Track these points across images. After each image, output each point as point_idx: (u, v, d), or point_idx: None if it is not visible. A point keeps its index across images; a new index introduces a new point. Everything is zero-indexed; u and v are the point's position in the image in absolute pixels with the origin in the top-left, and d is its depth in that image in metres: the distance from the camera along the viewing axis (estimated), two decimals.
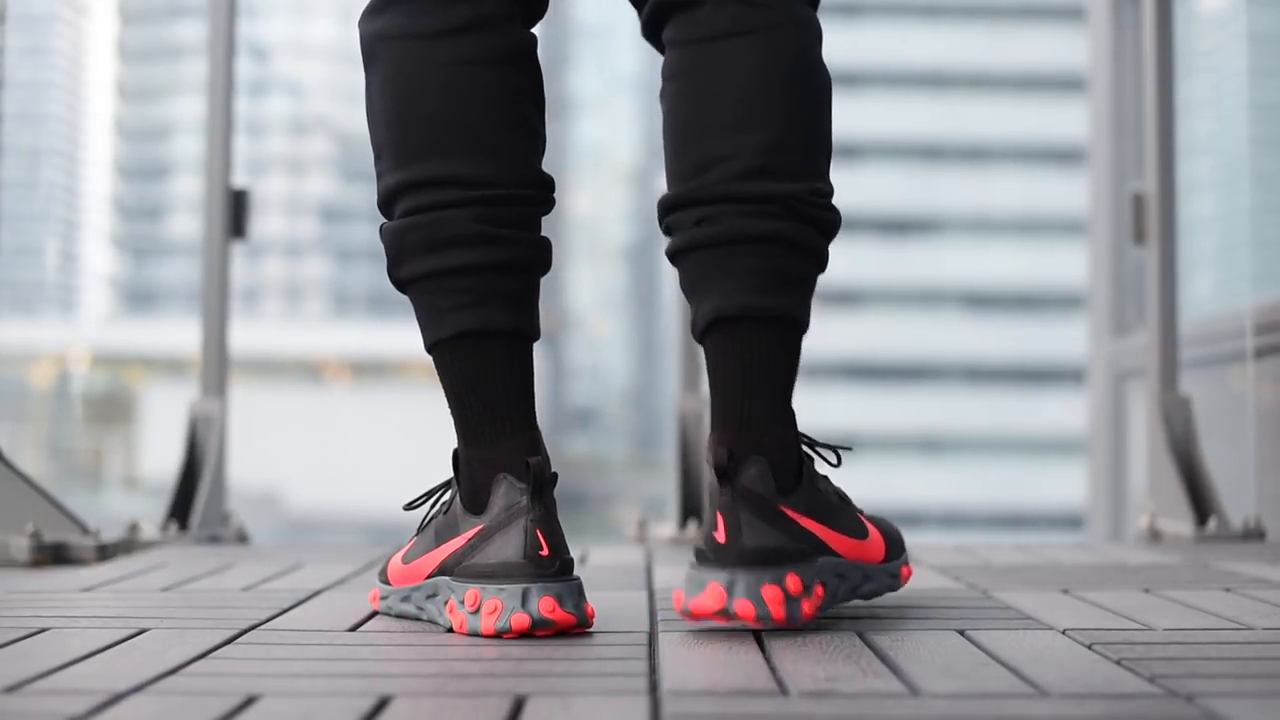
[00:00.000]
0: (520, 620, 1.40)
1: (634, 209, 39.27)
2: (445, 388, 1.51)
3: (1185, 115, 3.78)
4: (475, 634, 1.43)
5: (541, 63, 1.57)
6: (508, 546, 1.44)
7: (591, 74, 37.15)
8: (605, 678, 1.23)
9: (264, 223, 40.27)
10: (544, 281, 1.55)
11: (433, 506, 1.60)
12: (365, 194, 43.54)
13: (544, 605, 1.41)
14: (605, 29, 36.47)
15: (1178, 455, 3.02)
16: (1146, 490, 3.14)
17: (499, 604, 1.41)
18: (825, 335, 33.70)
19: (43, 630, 1.47)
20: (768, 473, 1.46)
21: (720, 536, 1.42)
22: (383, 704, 1.11)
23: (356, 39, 1.58)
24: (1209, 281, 4.71)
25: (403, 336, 38.28)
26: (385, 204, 1.52)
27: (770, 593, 1.40)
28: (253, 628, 1.49)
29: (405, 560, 1.59)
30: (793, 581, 1.42)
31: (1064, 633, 1.46)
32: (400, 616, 1.59)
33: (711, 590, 1.40)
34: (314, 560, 2.23)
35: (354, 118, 42.46)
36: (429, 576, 1.54)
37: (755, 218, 1.47)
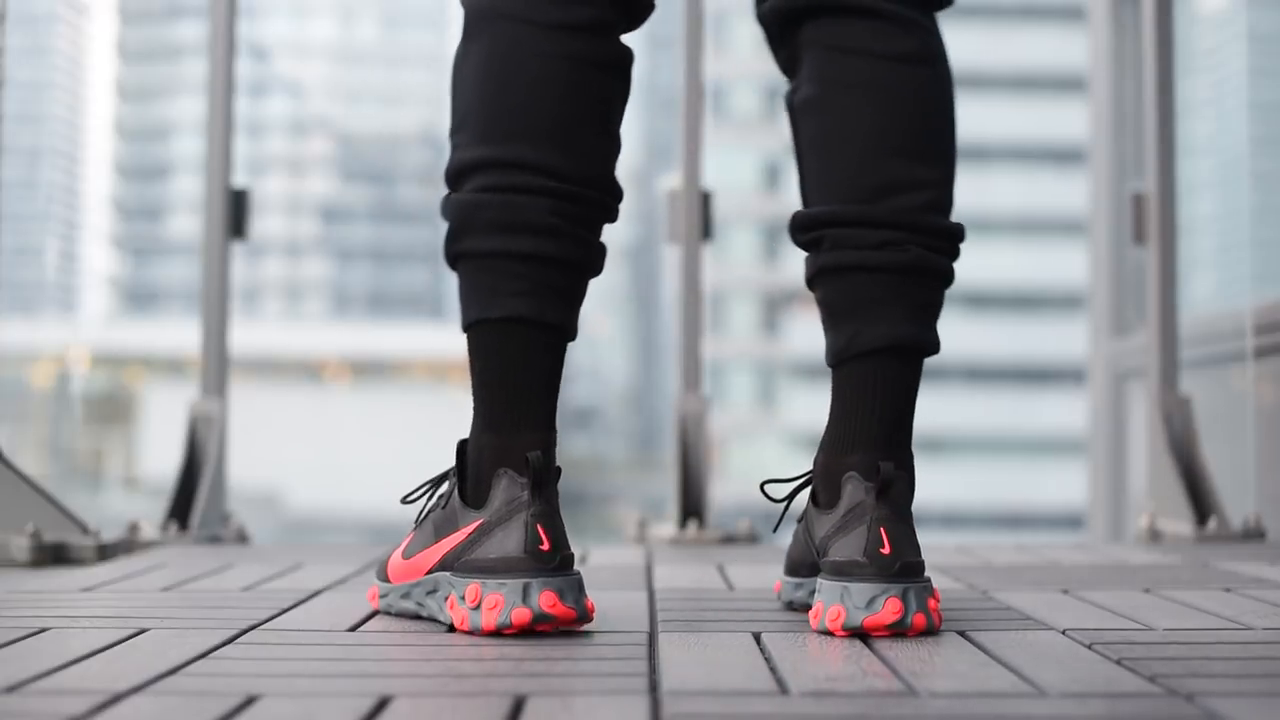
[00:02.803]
0: (521, 615, 1.40)
1: (634, 209, 39.28)
2: (477, 368, 1.49)
3: (1185, 115, 3.79)
4: (477, 630, 1.43)
5: None
6: (509, 541, 1.43)
7: None
8: (605, 678, 1.23)
9: (264, 223, 40.26)
10: None
11: (429, 500, 1.60)
12: (365, 194, 43.58)
13: (545, 600, 1.41)
14: None
15: (1178, 455, 3.02)
16: (1146, 490, 3.14)
17: (500, 599, 1.41)
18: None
19: (43, 630, 1.47)
20: (907, 490, 1.52)
21: (886, 549, 1.46)
22: (383, 704, 1.10)
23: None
24: (1209, 281, 4.71)
25: (403, 336, 38.31)
26: (457, 175, 1.50)
27: (932, 604, 1.46)
28: (253, 628, 1.49)
29: (406, 555, 1.58)
30: (937, 592, 1.49)
31: (1064, 633, 1.46)
32: (400, 615, 1.58)
33: (890, 605, 1.43)
34: (314, 560, 2.23)
35: (354, 118, 42.48)
36: (429, 572, 1.53)
37: (936, 253, 1.54)
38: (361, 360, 37.47)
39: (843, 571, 1.46)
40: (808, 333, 35.57)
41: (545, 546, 1.43)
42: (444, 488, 1.57)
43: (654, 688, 1.18)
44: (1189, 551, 2.49)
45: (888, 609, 1.42)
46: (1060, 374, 35.03)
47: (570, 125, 1.49)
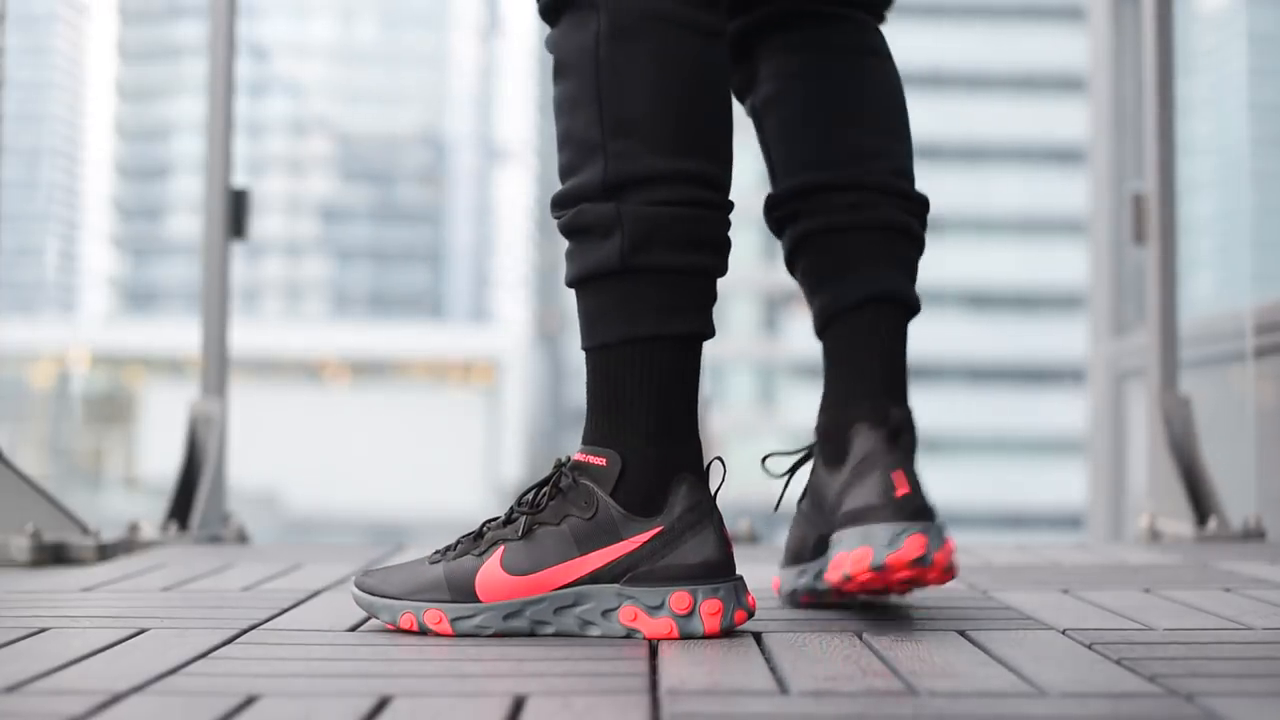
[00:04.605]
0: (741, 615, 1.44)
1: None
2: (643, 381, 1.46)
3: (1185, 115, 3.78)
4: (694, 636, 1.42)
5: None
6: (705, 546, 1.45)
7: None
8: (605, 678, 1.23)
9: (264, 223, 40.26)
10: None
11: (524, 510, 1.49)
12: (365, 194, 43.59)
13: (750, 600, 1.46)
14: None
15: (1178, 455, 3.02)
16: (1146, 490, 3.14)
17: (719, 603, 1.43)
18: None
19: (43, 630, 1.47)
20: (912, 440, 1.54)
21: (904, 489, 1.47)
22: (383, 704, 1.11)
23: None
24: (1209, 281, 4.71)
25: (402, 336, 38.33)
26: (624, 185, 1.45)
27: (949, 546, 1.48)
28: (253, 628, 1.49)
29: (512, 570, 1.46)
30: (950, 541, 1.50)
31: (1064, 633, 1.46)
32: (495, 636, 1.45)
33: (914, 541, 1.44)
34: (314, 560, 2.23)
35: (354, 118, 42.47)
36: (569, 585, 1.45)
37: (907, 214, 1.56)
38: (361, 360, 37.47)
39: (860, 518, 1.46)
40: (808, 332, 35.50)
41: (730, 549, 1.47)
42: (541, 497, 1.48)
43: (654, 688, 1.18)
44: (1189, 551, 2.49)
45: (910, 545, 1.42)
46: (1060, 374, 35.04)
47: (726, 136, 1.49)
